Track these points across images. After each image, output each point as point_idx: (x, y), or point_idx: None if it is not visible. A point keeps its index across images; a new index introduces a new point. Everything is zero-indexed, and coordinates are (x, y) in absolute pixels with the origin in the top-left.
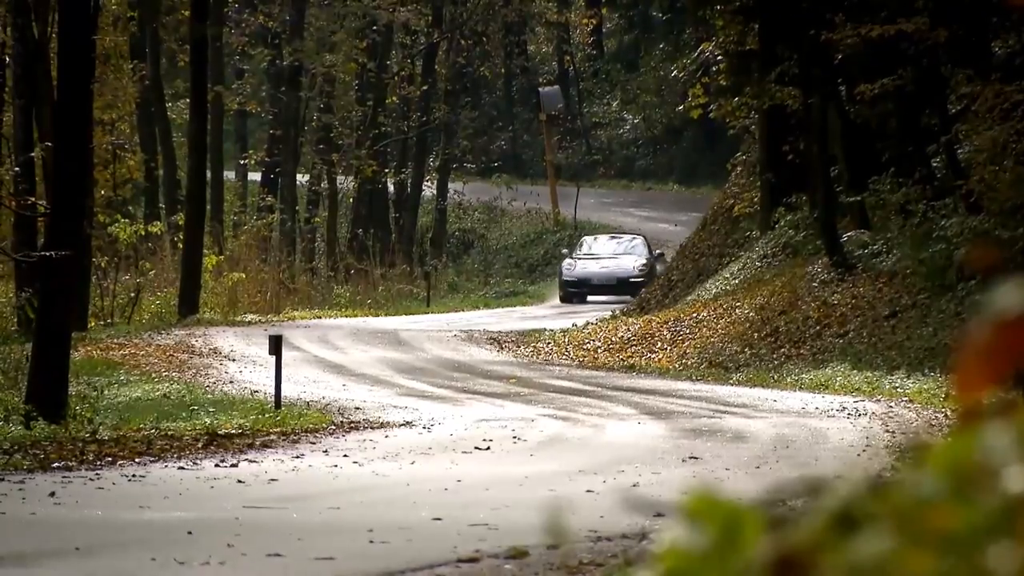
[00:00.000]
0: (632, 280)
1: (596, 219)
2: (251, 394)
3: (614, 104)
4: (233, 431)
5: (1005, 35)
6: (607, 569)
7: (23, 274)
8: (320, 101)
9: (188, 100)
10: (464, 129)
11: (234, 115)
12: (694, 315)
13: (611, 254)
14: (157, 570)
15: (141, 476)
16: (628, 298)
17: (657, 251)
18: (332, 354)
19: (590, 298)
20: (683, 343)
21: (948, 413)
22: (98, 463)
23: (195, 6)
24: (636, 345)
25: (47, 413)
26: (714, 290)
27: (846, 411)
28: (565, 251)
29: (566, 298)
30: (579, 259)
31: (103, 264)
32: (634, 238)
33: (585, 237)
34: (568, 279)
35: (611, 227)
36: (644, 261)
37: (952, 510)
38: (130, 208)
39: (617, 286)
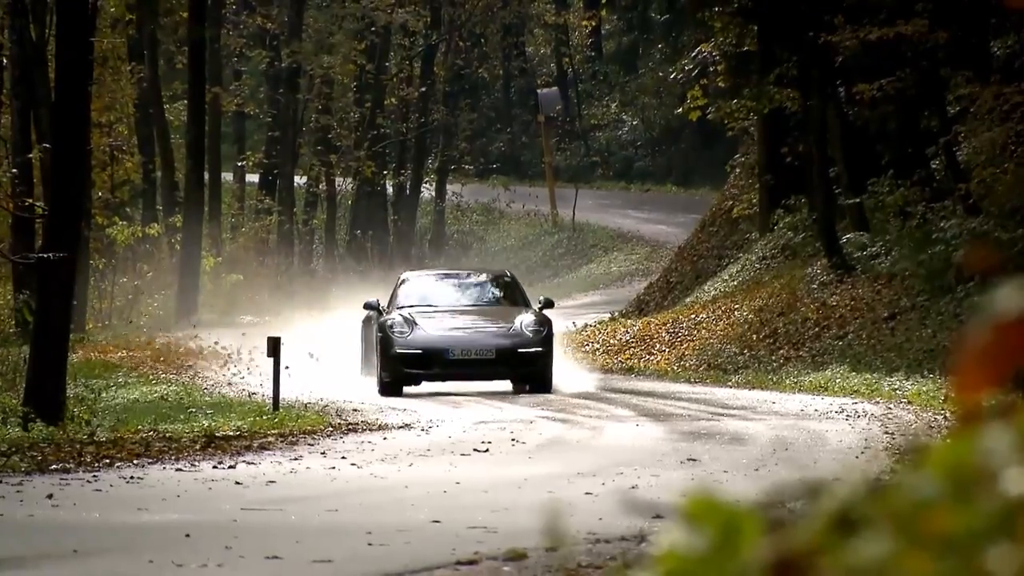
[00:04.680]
0: (522, 352)
1: (595, 220)
2: (249, 396)
3: (613, 106)
4: (231, 433)
5: (1004, 36)
6: (606, 571)
7: (21, 276)
8: (318, 103)
9: (186, 102)
10: (463, 131)
11: (232, 116)
12: (693, 317)
13: (467, 306)
14: (155, 572)
15: (139, 478)
16: (506, 385)
17: (541, 297)
18: (329, 355)
19: (440, 385)
20: (682, 345)
21: (947, 415)
22: (96, 465)
23: (193, 8)
24: (634, 347)
25: (45, 415)
26: (713, 292)
27: (845, 413)
28: (372, 300)
29: (393, 384)
30: (412, 314)
31: (101, 266)
32: (499, 277)
33: (408, 275)
34: (404, 351)
35: (610, 229)
36: (534, 318)
37: (951, 512)
38: (128, 210)
39: (497, 362)
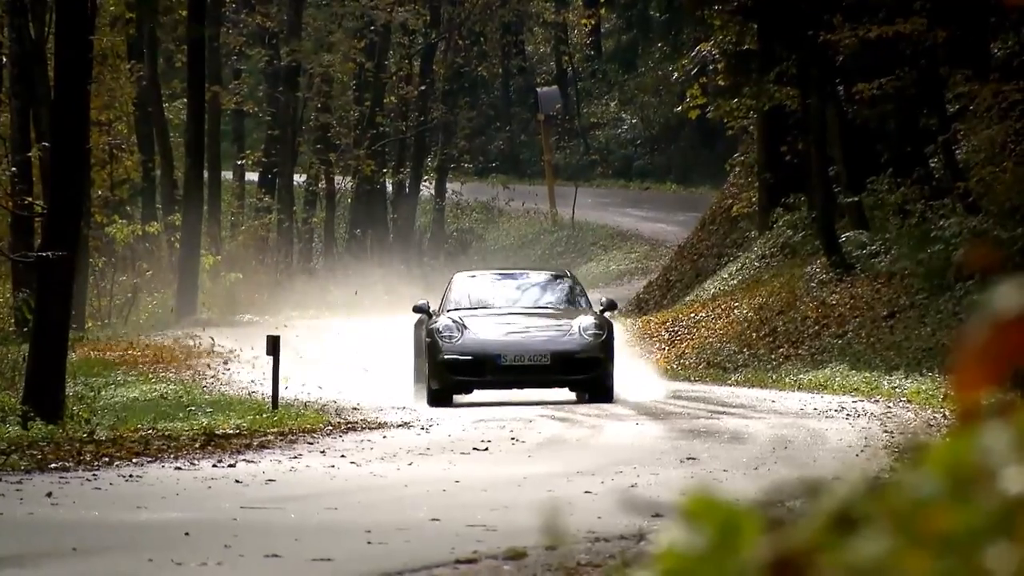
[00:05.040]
0: (579, 357)
1: (594, 219)
2: (248, 394)
3: (612, 104)
4: (230, 431)
5: (1003, 35)
6: (605, 570)
7: (20, 274)
8: (318, 101)
9: (185, 100)
10: (462, 129)
11: (231, 115)
12: (692, 315)
13: (522, 308)
14: (154, 571)
15: (138, 476)
16: (568, 397)
17: (603, 298)
18: (328, 354)
19: (494, 393)
20: (681, 343)
21: (946, 413)
22: (95, 464)
23: (192, 6)
24: (634, 346)
25: (44, 413)
26: (712, 290)
27: (844, 411)
28: (422, 302)
29: (442, 392)
30: (462, 317)
31: (100, 264)
32: (558, 277)
33: (460, 276)
34: (452, 357)
35: (609, 227)
36: (593, 320)
37: (950, 511)
38: (127, 208)
39: (552, 368)
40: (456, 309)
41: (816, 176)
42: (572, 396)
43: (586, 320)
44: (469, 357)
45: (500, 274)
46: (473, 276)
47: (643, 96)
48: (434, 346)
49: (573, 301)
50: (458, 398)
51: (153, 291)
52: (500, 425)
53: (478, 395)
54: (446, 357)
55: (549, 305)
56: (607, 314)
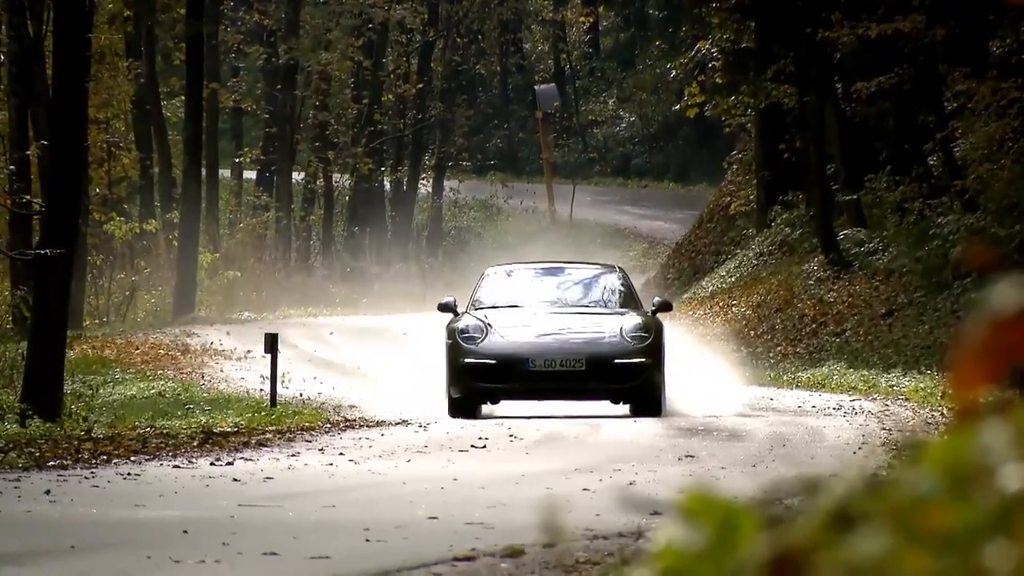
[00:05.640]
0: (620, 363)
1: (592, 217)
2: (246, 392)
3: (610, 102)
4: (228, 429)
5: (1002, 33)
6: (603, 568)
7: (18, 272)
8: (316, 99)
9: (183, 98)
10: (460, 127)
11: (229, 113)
12: (690, 313)
13: (561, 307)
14: (152, 569)
15: (136, 474)
16: (608, 405)
17: (656, 298)
18: (328, 352)
19: (522, 404)
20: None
21: (944, 411)
22: (93, 461)
23: (191, 4)
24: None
25: (42, 411)
26: (710, 288)
27: (842, 409)
28: (448, 299)
29: (464, 402)
30: (488, 317)
31: (98, 262)
32: (605, 272)
33: (493, 270)
34: (475, 362)
35: (607, 225)
36: (639, 321)
37: (948, 509)
38: (125, 206)
39: (588, 375)
40: (484, 307)
41: (814, 174)
42: (622, 410)
43: (631, 321)
44: (493, 361)
45: (539, 268)
46: (508, 270)
47: (641, 94)
48: (455, 348)
49: (621, 299)
50: (484, 409)
51: (151, 289)
52: (498, 423)
53: (508, 407)
54: (467, 361)
55: (592, 303)
56: (659, 315)
